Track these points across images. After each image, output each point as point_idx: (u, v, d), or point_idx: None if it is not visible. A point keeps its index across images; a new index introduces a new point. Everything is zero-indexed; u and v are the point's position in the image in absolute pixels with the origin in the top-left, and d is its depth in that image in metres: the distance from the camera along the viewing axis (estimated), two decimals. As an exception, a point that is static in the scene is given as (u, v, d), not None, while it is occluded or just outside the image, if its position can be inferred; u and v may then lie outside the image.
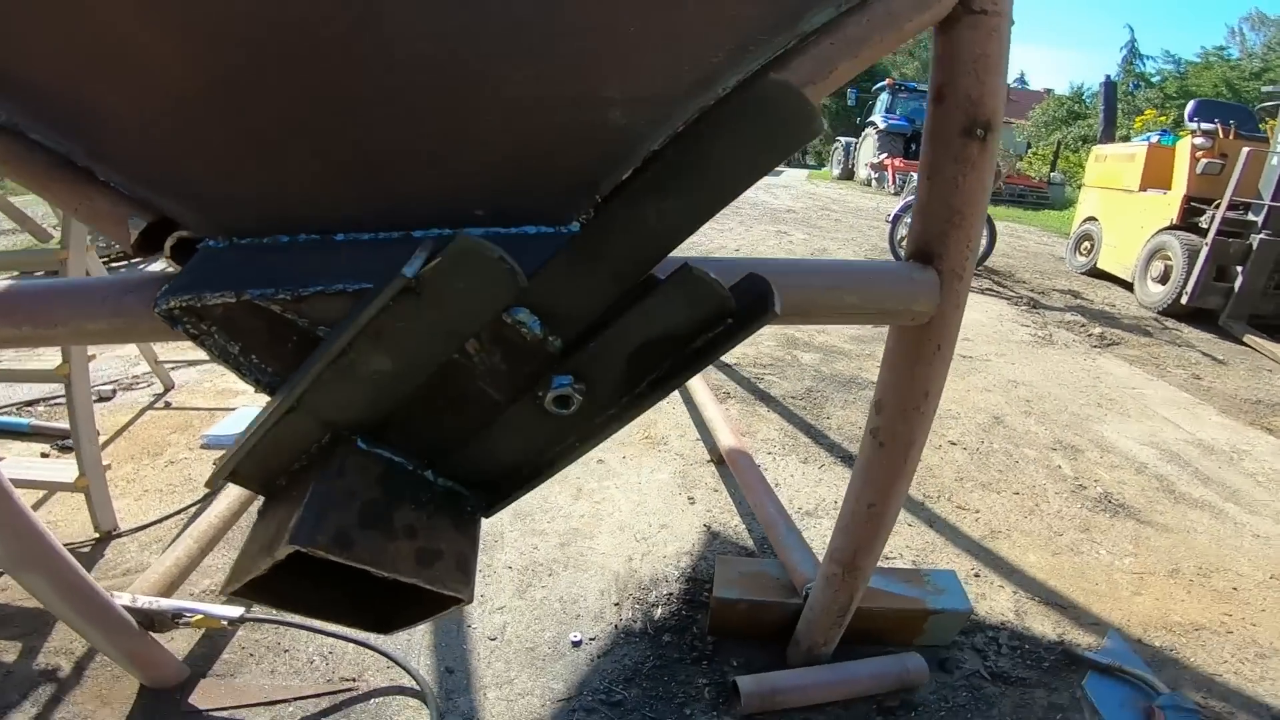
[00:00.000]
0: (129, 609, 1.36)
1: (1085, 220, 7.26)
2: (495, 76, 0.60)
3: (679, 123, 0.76)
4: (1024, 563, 2.10)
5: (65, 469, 1.99)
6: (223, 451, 2.53)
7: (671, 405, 2.98)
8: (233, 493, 1.87)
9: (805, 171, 22.39)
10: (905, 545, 2.15)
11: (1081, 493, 2.57)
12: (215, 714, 1.40)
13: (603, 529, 2.11)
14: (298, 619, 1.63)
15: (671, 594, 1.84)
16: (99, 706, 1.41)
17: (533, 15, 0.56)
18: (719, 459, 2.51)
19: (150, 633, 1.39)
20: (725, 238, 7.77)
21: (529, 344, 0.52)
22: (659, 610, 1.78)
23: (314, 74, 0.58)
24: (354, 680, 1.50)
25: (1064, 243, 8.53)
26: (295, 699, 1.44)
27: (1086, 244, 7.26)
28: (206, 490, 2.23)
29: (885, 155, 14.96)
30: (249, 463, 0.64)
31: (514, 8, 0.55)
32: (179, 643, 1.54)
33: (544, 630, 1.69)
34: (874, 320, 0.99)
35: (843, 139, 18.96)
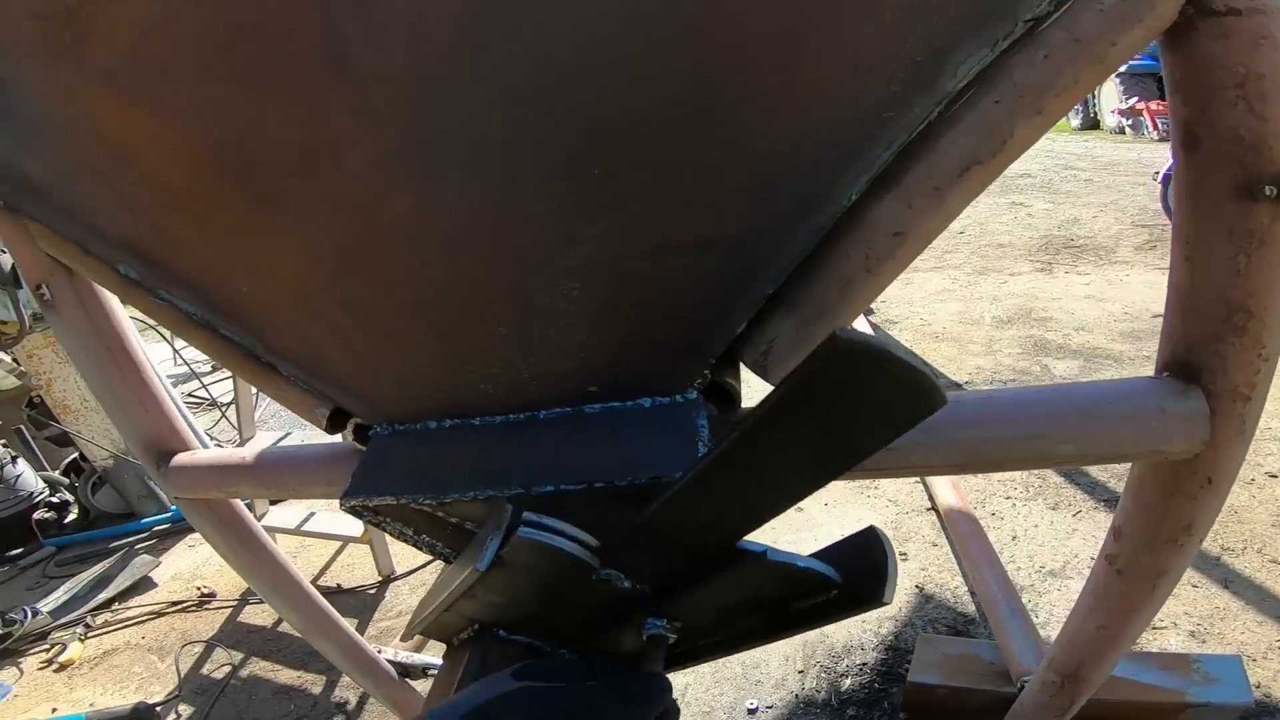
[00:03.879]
0: (390, 661, 1.69)
1: None
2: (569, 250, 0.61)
3: (796, 255, 0.65)
4: (1368, 648, 1.57)
5: (354, 524, 2.52)
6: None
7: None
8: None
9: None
10: (1184, 612, 1.75)
11: None
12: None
13: (793, 584, 2.06)
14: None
15: (865, 664, 1.73)
16: (375, 739, 1.77)
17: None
18: (942, 506, 2.25)
19: (407, 680, 1.71)
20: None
21: (621, 590, 0.55)
22: (847, 681, 1.69)
23: (431, 284, 0.64)
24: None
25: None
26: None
27: None
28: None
29: (1138, 99, 12.04)
30: (431, 630, 0.78)
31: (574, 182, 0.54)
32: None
33: (722, 694, 1.71)
34: (1104, 462, 0.75)
35: (1077, 84, 15.81)
